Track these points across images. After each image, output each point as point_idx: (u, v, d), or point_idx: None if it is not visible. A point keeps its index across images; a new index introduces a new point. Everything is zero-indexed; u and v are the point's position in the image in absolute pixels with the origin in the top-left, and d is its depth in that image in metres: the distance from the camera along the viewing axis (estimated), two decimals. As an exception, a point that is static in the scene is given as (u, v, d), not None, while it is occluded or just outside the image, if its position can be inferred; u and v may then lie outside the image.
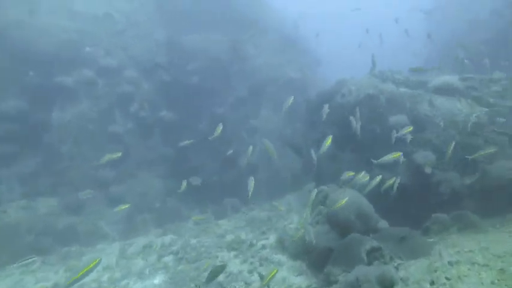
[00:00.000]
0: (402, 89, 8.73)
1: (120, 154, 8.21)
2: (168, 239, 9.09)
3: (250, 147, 8.27)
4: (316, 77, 20.05)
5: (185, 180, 8.49)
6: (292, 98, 8.40)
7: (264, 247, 7.65)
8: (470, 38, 15.03)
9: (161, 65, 14.14)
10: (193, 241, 8.59)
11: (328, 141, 6.67)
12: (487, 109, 7.94)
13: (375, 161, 6.85)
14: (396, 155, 6.64)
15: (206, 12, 16.16)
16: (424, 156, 7.87)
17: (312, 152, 7.96)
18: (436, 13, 20.86)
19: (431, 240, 6.44)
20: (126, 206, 8.44)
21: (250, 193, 6.11)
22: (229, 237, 8.53)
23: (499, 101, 8.36)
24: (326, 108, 8.07)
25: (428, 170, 7.59)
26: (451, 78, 8.43)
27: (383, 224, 7.09)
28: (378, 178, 6.68)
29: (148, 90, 14.07)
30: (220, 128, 7.88)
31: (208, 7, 16.27)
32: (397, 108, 8.44)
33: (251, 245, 7.83)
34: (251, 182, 6.20)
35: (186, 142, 9.23)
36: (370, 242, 5.72)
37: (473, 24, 16.16)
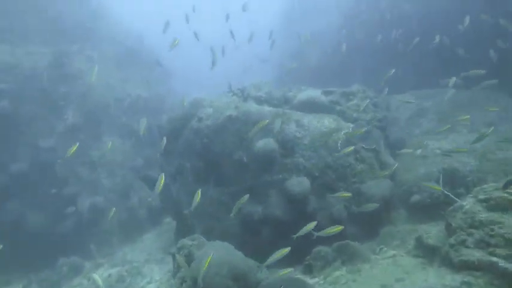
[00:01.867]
0: (266, 108, 9.64)
1: None
2: None
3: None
4: (170, 93, 20.76)
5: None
6: (145, 120, 8.89)
7: None
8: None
9: None
10: None
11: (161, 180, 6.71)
12: (352, 124, 9.50)
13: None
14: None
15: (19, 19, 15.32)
16: (299, 183, 8.66)
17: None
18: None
19: (315, 280, 6.93)
20: None
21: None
22: None
23: (360, 115, 10.19)
24: (164, 141, 8.75)
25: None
26: (314, 93, 9.84)
27: (263, 273, 7.25)
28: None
29: None
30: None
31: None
32: (263, 131, 9.18)
33: None
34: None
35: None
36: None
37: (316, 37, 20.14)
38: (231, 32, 12.16)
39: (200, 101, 10.76)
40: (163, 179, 6.61)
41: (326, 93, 10.58)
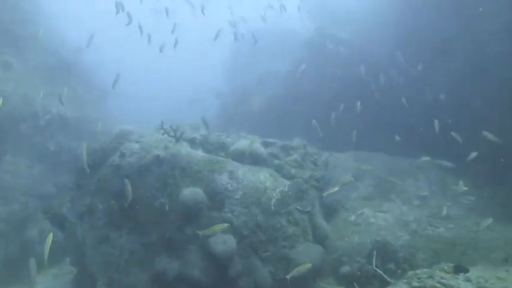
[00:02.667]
0: (199, 153, 8.78)
1: None
2: None
3: None
4: (105, 117, 19.10)
5: None
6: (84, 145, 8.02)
7: None
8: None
9: None
10: None
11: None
12: (289, 182, 8.93)
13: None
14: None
15: None
16: (224, 242, 7.78)
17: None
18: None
19: None
20: None
21: None
22: None
23: (299, 172, 9.69)
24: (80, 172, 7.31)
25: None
26: (254, 144, 9.21)
27: None
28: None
29: None
30: None
31: None
32: (192, 178, 8.29)
33: None
34: None
35: None
36: None
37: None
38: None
39: (127, 133, 9.65)
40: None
41: (266, 144, 10.03)
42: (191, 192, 7.97)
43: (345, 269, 8.21)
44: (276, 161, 9.46)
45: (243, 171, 8.60)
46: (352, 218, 9.24)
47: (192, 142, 9.42)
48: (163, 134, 9.09)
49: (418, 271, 6.09)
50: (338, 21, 19.00)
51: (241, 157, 9.03)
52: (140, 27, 12.33)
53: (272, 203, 8.26)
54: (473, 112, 11.85)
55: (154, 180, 8.31)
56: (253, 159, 9.03)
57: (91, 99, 18.83)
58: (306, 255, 8.00)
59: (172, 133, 9.00)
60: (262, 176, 8.66)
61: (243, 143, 9.23)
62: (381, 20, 16.23)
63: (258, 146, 9.21)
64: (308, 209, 8.65)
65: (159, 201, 8.16)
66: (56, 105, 15.17)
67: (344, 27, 18.17)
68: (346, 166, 11.35)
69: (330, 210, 9.72)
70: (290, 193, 8.58)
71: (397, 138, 10.72)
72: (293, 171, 9.52)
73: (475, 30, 11.90)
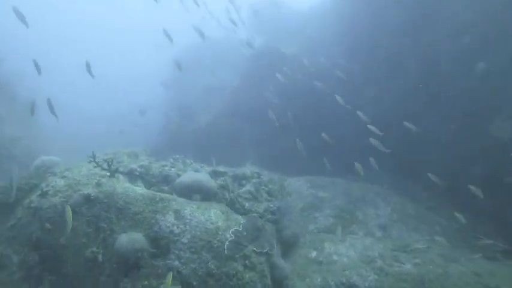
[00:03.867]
0: (138, 190, 7.50)
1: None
2: None
3: None
4: (26, 134, 16.88)
5: None
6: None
7: None
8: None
9: None
10: None
11: None
12: (243, 219, 7.92)
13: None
14: None
15: None
16: (169, 296, 6.56)
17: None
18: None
19: None
20: None
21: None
22: None
23: (253, 205, 8.74)
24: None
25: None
26: (202, 175, 8.11)
27: None
28: None
29: None
30: None
31: None
32: (130, 221, 7.00)
33: None
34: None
35: None
36: None
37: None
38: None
39: (49, 165, 8.15)
40: None
41: (216, 174, 8.97)
42: (129, 239, 6.68)
43: (306, 316, 7.35)
44: (228, 194, 8.42)
45: (191, 209, 7.45)
46: (313, 254, 8.42)
47: (131, 175, 8.12)
48: (95, 167, 7.70)
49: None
50: (286, 36, 18.57)
51: (188, 192, 7.87)
52: None
53: (225, 246, 7.19)
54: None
55: (85, 225, 6.91)
56: (202, 195, 7.90)
57: (12, 117, 16.55)
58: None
59: (106, 165, 7.64)
60: (213, 214, 7.57)
61: (190, 175, 8.08)
62: (329, 35, 15.99)
63: (207, 178, 8.12)
64: (266, 250, 7.69)
65: (90, 250, 6.78)
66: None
67: (291, 42, 17.75)
68: (302, 193, 10.59)
69: (288, 246, 8.84)
70: (245, 233, 7.56)
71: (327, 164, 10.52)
72: (247, 204, 8.54)
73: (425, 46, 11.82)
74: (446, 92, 11.21)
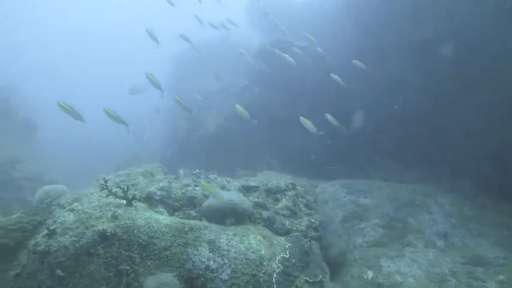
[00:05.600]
0: (162, 219, 6.19)
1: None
2: None
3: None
4: (25, 155, 15.57)
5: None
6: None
7: None
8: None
9: None
10: None
11: None
12: (287, 242, 6.63)
13: None
14: None
15: None
16: None
17: None
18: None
19: None
20: None
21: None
22: None
23: (293, 222, 7.45)
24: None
25: None
26: (233, 195, 6.80)
27: None
28: None
29: None
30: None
31: None
32: (157, 259, 5.71)
33: None
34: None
35: None
36: None
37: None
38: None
39: (54, 196, 6.86)
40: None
41: (247, 189, 7.67)
42: (158, 283, 5.39)
43: None
44: (265, 213, 7.12)
45: (227, 237, 6.15)
46: (369, 275, 7.14)
47: (150, 200, 6.81)
48: (107, 196, 6.39)
49: None
50: (289, 29, 17.20)
51: (220, 216, 6.57)
52: None
53: (273, 279, 5.90)
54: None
55: (103, 268, 5.62)
56: (236, 217, 6.60)
57: (8, 136, 15.24)
58: None
59: (120, 192, 6.33)
60: (253, 241, 6.27)
61: (219, 196, 6.77)
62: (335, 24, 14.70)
63: (240, 197, 6.81)
64: (319, 278, 6.41)
65: (112, 300, 5.50)
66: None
67: (295, 35, 16.41)
68: (339, 200, 9.30)
69: (336, 266, 7.56)
70: (293, 260, 6.28)
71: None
72: (287, 223, 7.24)
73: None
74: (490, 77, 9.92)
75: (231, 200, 6.49)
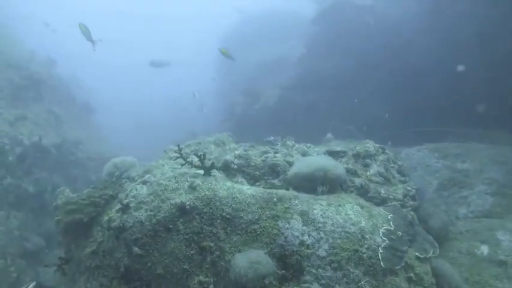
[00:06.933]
0: (246, 189, 5.32)
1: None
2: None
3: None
4: (86, 137, 15.54)
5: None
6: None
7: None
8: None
9: None
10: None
11: None
12: (387, 213, 5.55)
13: None
14: None
15: None
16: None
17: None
18: None
19: None
20: None
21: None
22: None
23: (388, 190, 6.33)
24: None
25: None
26: (324, 160, 5.79)
27: None
28: None
29: None
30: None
31: None
32: (244, 234, 4.88)
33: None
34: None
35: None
36: None
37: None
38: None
39: (124, 169, 6.23)
40: None
41: (331, 155, 6.64)
42: (249, 261, 4.56)
43: None
44: (357, 180, 6.07)
45: (321, 208, 5.19)
46: (484, 250, 5.94)
47: (227, 170, 5.98)
48: (182, 165, 5.61)
49: None
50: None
51: (310, 184, 5.60)
52: None
53: (379, 255, 4.89)
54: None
55: (184, 245, 4.88)
56: (329, 185, 5.60)
57: (71, 119, 15.21)
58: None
59: (197, 161, 5.53)
60: (351, 211, 5.26)
61: (307, 161, 5.80)
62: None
63: (332, 162, 5.79)
64: (431, 253, 5.31)
65: (197, 280, 4.76)
66: (27, 134, 11.58)
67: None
68: (431, 166, 8.02)
69: (439, 239, 6.40)
70: (399, 232, 5.21)
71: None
72: (382, 191, 6.16)
73: None
74: None
75: (322, 166, 5.48)
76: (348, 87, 12.83)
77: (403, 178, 6.81)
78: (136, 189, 5.47)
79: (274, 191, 5.31)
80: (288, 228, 4.91)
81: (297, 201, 5.20)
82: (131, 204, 5.23)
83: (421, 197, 6.98)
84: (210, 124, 21.83)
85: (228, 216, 4.95)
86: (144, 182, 5.54)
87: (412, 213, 5.90)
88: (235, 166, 5.99)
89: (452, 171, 7.60)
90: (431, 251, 5.39)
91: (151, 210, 5.12)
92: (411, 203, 6.35)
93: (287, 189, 5.63)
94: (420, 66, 10.51)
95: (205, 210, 4.98)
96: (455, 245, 6.37)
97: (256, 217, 4.95)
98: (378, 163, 6.64)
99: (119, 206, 5.27)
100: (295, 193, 5.39)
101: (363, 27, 13.09)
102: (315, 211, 5.12)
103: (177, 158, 5.51)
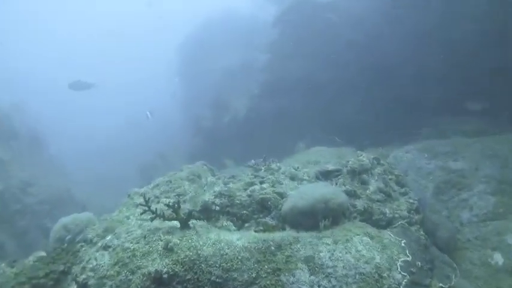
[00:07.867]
0: (236, 237, 4.29)
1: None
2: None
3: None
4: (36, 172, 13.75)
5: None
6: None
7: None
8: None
9: None
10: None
11: None
12: (402, 240, 4.71)
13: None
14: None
15: None
16: None
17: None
18: None
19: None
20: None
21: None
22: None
23: (392, 207, 5.54)
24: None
25: None
26: (323, 188, 4.87)
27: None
28: None
29: None
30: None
31: None
32: (242, 299, 3.85)
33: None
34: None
35: None
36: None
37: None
38: None
39: (78, 230, 5.00)
40: None
41: (325, 175, 5.77)
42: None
43: None
44: (359, 203, 5.21)
45: (328, 249, 4.27)
46: (498, 259, 5.30)
47: (208, 213, 4.92)
48: (151, 219, 4.47)
49: None
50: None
51: (309, 219, 4.66)
52: None
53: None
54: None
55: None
56: (332, 217, 4.69)
57: (17, 157, 13.36)
58: None
59: (169, 212, 4.42)
60: (361, 246, 4.38)
61: (304, 191, 4.85)
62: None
63: (330, 189, 4.88)
64: (453, 281, 4.56)
65: None
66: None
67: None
68: (423, 169, 7.34)
69: (449, 251, 5.71)
70: (418, 262, 4.41)
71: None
72: (387, 211, 5.35)
73: None
74: None
75: (323, 196, 4.56)
76: (317, 89, 12.09)
77: (403, 190, 6.07)
78: (95, 259, 4.28)
79: (270, 236, 4.32)
80: (293, 283, 3.94)
81: (298, 246, 4.24)
82: (90, 282, 4.04)
83: (423, 206, 6.29)
84: (176, 141, 20.49)
85: (218, 280, 3.89)
86: (106, 247, 4.36)
87: (423, 233, 5.15)
88: (217, 208, 4.95)
89: (446, 172, 6.97)
90: (453, 276, 4.65)
91: (118, 286, 3.96)
92: (416, 217, 5.61)
93: (283, 228, 4.68)
94: (388, 60, 9.94)
95: (188, 277, 3.89)
96: (466, 255, 5.71)
97: (254, 275, 3.94)
98: (376, 177, 5.85)
99: (74, 287, 4.06)
100: (295, 234, 4.44)
101: (326, 25, 12.41)
102: (321, 254, 4.20)
103: (145, 211, 4.38)
